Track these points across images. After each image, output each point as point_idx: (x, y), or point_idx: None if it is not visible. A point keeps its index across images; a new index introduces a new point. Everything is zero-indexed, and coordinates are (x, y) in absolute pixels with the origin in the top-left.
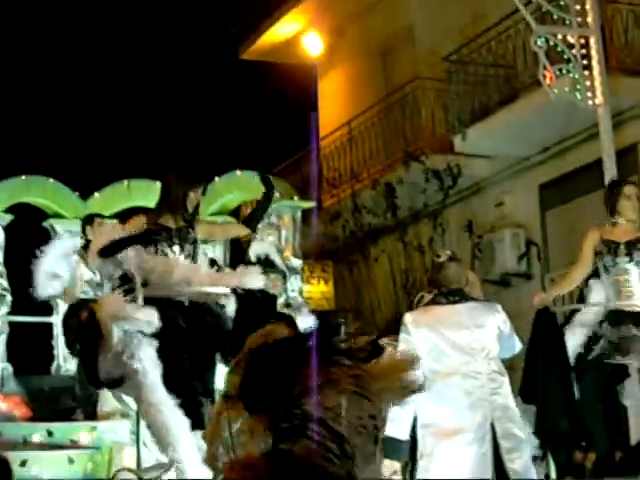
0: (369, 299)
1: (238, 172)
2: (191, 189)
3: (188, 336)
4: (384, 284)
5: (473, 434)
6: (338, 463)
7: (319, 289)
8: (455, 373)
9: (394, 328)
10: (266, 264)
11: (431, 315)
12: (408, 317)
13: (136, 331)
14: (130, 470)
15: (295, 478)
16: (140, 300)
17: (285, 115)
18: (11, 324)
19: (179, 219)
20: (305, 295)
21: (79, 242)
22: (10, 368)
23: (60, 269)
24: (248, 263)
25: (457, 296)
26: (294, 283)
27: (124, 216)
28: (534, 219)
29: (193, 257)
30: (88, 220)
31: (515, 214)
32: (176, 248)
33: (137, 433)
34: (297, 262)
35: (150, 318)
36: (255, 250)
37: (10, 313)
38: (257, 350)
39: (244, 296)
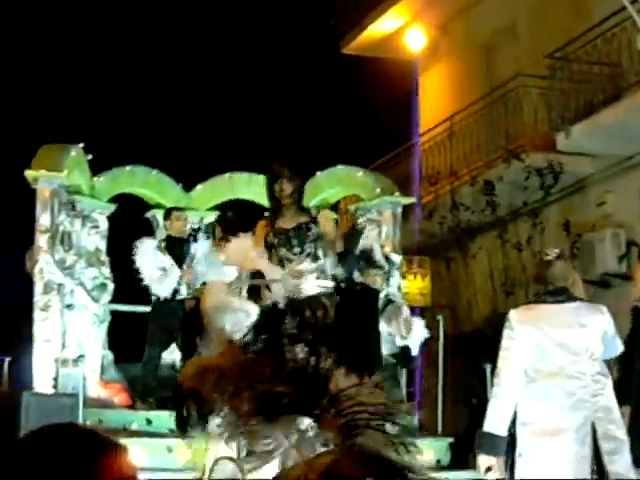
0: (466, 296)
1: (339, 167)
2: (276, 180)
3: (290, 330)
4: (482, 281)
5: (574, 435)
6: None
7: (416, 285)
8: (559, 373)
9: (491, 326)
10: (367, 260)
11: (536, 313)
12: (512, 314)
13: (240, 323)
14: (230, 459)
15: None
16: (244, 292)
17: (386, 110)
18: (113, 312)
19: (295, 214)
20: (402, 291)
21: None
22: (111, 356)
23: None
24: (350, 258)
25: (563, 295)
26: (393, 279)
27: (225, 208)
28: (636, 219)
29: (315, 255)
30: (167, 214)
31: (617, 214)
32: (297, 250)
33: None
34: (397, 258)
35: (250, 310)
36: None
37: (112, 302)
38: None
39: (345, 291)
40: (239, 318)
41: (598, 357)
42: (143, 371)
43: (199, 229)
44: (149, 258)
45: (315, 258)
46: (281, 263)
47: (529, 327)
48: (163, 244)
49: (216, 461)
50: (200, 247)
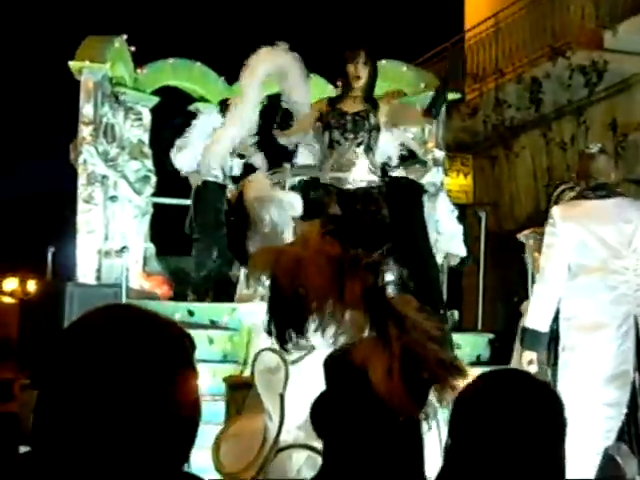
0: (509, 194)
1: (383, 61)
2: (352, 61)
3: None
4: (525, 180)
5: (616, 329)
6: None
7: (458, 182)
8: (601, 268)
9: (533, 224)
10: (411, 153)
11: (579, 209)
12: (556, 210)
13: (284, 215)
14: (273, 350)
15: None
16: (287, 183)
17: (431, 5)
18: (155, 205)
19: (359, 101)
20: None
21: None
22: (153, 248)
23: (198, 148)
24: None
25: (605, 191)
26: (436, 175)
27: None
28: None
29: (368, 145)
30: (222, 105)
31: None
32: (350, 135)
33: None
34: (440, 154)
35: (293, 201)
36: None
37: (154, 195)
38: None
39: (390, 184)
40: (283, 210)
41: None
42: (196, 265)
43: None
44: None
45: (367, 149)
46: (331, 146)
47: (572, 223)
48: None
49: (259, 352)
50: None
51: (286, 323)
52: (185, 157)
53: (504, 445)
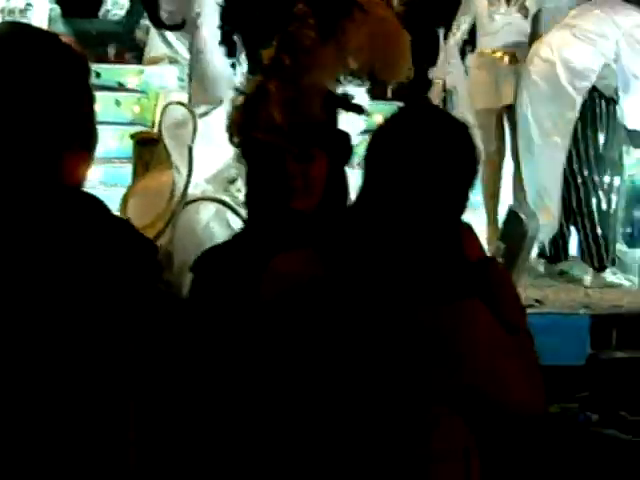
0: None
1: None
2: None
3: None
4: None
5: None
6: None
7: None
8: None
9: None
10: None
11: None
12: None
13: None
14: (181, 104)
15: None
16: None
17: None
18: None
19: None
20: None
21: None
22: (58, 9)
23: None
24: None
25: None
26: None
27: None
28: None
29: None
30: None
31: None
32: None
33: (190, 76)
34: None
35: None
36: None
37: None
38: None
39: None
40: None
41: None
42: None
43: None
44: None
45: None
46: None
47: None
48: None
49: (166, 105)
50: None
51: None
52: None
53: (416, 173)
